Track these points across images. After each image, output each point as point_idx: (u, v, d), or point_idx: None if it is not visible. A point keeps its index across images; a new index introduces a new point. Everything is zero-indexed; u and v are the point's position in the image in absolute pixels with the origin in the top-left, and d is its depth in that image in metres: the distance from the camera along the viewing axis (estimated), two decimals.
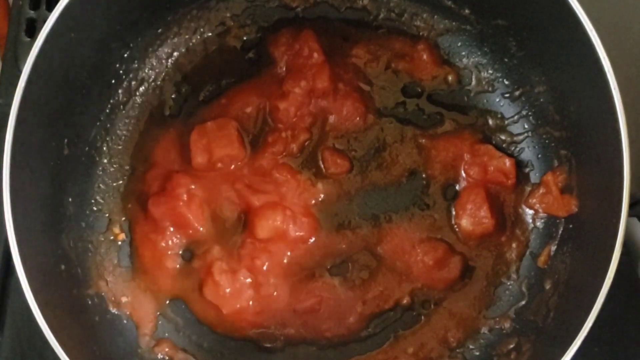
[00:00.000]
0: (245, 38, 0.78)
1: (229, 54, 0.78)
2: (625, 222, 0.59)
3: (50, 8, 0.74)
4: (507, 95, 0.76)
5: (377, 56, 0.77)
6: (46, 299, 0.60)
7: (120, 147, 0.76)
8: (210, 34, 0.78)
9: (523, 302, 0.72)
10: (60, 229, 0.69)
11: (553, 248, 0.72)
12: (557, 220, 0.72)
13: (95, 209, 0.74)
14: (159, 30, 0.76)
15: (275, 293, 0.73)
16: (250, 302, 0.72)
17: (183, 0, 0.75)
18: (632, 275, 0.72)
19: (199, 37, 0.78)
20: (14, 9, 0.82)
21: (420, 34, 0.77)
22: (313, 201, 0.75)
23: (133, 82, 0.76)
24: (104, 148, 0.75)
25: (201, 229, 0.73)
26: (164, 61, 0.77)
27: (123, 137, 0.76)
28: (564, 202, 0.71)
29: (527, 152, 0.75)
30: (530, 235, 0.74)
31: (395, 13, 0.78)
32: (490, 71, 0.76)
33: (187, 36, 0.77)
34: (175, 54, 0.78)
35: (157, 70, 0.77)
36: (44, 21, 0.62)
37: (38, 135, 0.65)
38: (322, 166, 0.76)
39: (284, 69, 0.76)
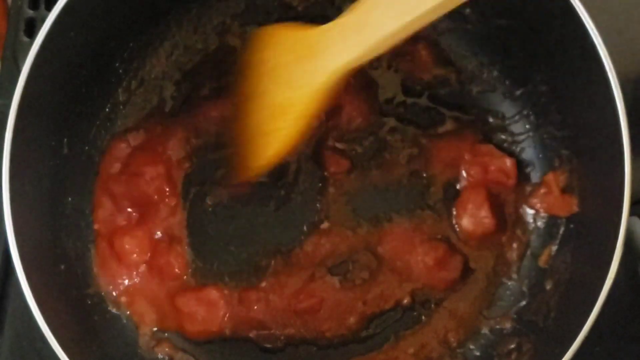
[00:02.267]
0: (245, 37, 0.78)
1: (230, 52, 0.78)
2: (626, 221, 0.59)
3: (49, 8, 0.73)
4: (508, 94, 0.76)
5: (378, 56, 0.77)
6: (46, 299, 0.60)
7: None
8: (210, 33, 0.78)
9: (524, 302, 0.72)
10: (60, 228, 0.69)
11: (554, 248, 0.72)
12: (558, 220, 0.72)
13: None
14: (159, 30, 0.76)
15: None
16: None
17: (183, 0, 0.75)
18: (633, 275, 0.71)
19: (199, 36, 0.78)
20: (12, 9, 0.81)
21: (421, 33, 0.77)
22: None
23: (133, 82, 0.76)
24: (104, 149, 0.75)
25: None
26: (163, 60, 0.77)
27: None
28: (565, 201, 0.70)
29: (528, 152, 0.75)
30: (531, 235, 0.74)
31: None
32: (491, 70, 0.76)
33: (187, 35, 0.77)
34: (175, 53, 0.78)
35: (157, 70, 0.77)
36: (43, 21, 0.61)
37: (38, 135, 0.65)
38: (322, 166, 0.75)
39: None
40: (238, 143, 0.68)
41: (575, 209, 0.69)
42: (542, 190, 0.72)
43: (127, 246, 0.72)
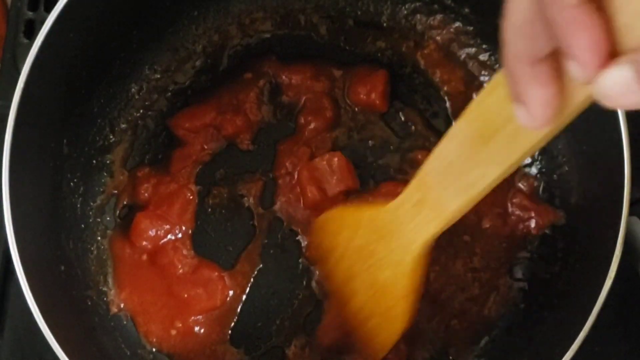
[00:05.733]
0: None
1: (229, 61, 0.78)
2: (625, 221, 0.59)
3: (48, 9, 0.73)
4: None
5: None
6: (46, 300, 0.60)
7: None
8: (213, 35, 0.78)
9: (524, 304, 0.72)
10: (60, 230, 0.69)
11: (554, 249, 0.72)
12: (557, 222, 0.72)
13: (94, 210, 0.74)
14: (159, 31, 0.76)
15: None
16: None
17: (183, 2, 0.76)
18: (633, 275, 0.71)
19: (200, 38, 0.78)
20: (12, 10, 0.81)
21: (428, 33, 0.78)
22: None
23: (133, 82, 0.76)
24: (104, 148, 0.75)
25: None
26: (164, 62, 0.77)
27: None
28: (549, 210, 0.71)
29: None
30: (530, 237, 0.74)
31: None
32: (491, 70, 0.76)
33: (188, 35, 0.77)
34: (177, 55, 0.78)
35: (157, 71, 0.77)
36: (43, 22, 0.61)
37: (37, 136, 0.65)
38: None
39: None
40: (355, 328, 0.67)
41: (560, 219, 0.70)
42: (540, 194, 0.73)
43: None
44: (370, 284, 0.61)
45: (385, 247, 0.58)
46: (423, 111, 0.77)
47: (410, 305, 0.60)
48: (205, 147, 0.75)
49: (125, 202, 0.75)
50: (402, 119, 0.76)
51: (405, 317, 0.60)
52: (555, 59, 0.35)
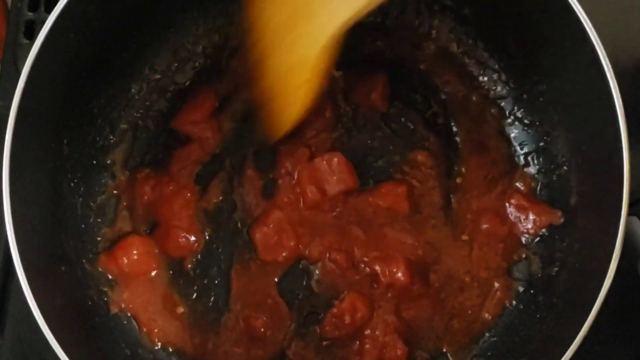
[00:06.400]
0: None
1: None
2: (625, 221, 0.59)
3: (49, 10, 0.74)
4: (506, 94, 0.76)
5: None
6: (46, 300, 0.60)
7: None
8: (212, 35, 0.78)
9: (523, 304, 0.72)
10: (60, 230, 0.69)
11: (553, 250, 0.72)
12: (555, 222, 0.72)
13: (94, 210, 0.74)
14: (158, 32, 0.76)
15: None
16: None
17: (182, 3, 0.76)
18: (632, 275, 0.71)
19: (199, 38, 0.78)
20: (12, 11, 0.82)
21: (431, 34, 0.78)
22: None
23: (133, 82, 0.76)
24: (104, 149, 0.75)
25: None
26: (164, 62, 0.77)
27: None
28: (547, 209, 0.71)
29: (526, 152, 0.75)
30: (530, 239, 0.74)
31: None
32: (490, 71, 0.76)
33: (188, 35, 0.78)
34: (176, 55, 0.78)
35: (157, 69, 0.77)
36: (43, 23, 0.62)
37: (37, 136, 0.65)
38: None
39: None
40: (263, 104, 0.69)
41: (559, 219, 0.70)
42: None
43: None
44: (283, 61, 0.64)
45: (303, 26, 0.60)
46: (423, 111, 0.77)
47: (312, 89, 0.63)
48: (213, 138, 0.75)
49: (125, 203, 0.75)
50: (402, 119, 0.77)
51: (306, 101, 0.64)
52: None
